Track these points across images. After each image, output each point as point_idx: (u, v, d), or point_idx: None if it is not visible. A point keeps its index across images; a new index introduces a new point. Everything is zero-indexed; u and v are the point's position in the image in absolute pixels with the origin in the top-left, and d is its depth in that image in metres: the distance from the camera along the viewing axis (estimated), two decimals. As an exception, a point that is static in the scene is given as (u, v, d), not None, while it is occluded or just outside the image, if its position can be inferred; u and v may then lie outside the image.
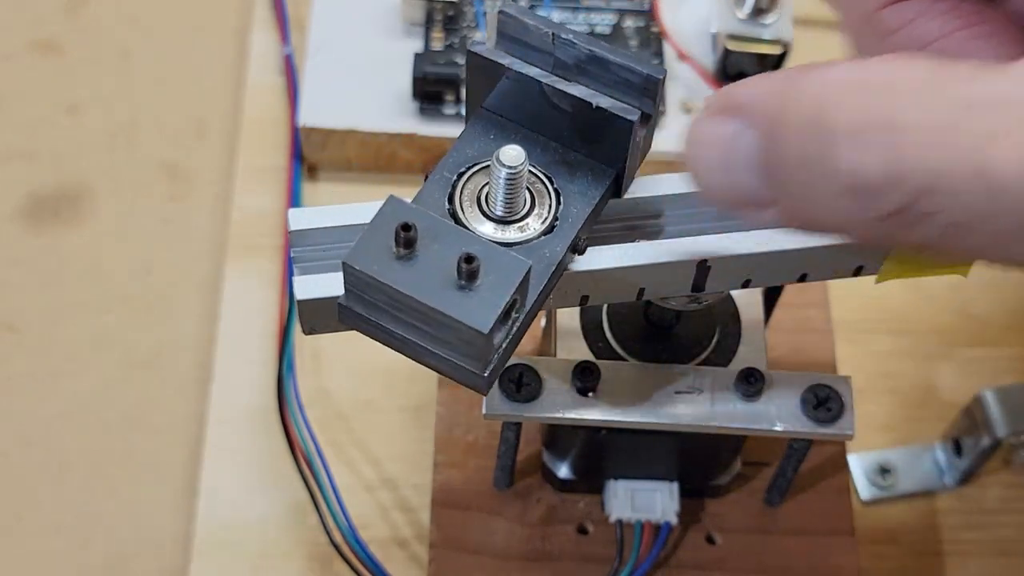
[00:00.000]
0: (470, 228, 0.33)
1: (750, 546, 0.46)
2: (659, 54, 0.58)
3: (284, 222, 0.55)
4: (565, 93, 0.33)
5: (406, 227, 0.30)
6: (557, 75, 0.34)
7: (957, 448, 0.51)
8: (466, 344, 0.31)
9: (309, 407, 0.51)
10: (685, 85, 0.57)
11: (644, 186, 0.36)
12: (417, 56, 0.56)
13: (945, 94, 0.25)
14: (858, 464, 0.52)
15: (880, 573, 0.50)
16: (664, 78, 0.33)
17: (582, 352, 0.42)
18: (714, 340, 0.42)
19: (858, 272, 0.37)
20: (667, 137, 0.56)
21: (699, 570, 0.46)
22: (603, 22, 0.59)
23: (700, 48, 0.58)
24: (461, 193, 0.34)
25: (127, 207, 0.57)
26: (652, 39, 0.59)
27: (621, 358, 0.42)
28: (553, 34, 0.33)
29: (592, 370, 0.40)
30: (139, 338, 0.54)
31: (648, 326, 0.42)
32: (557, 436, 0.45)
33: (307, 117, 0.56)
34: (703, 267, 0.36)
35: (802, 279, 0.37)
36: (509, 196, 0.33)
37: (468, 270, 0.30)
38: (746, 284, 0.37)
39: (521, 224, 0.34)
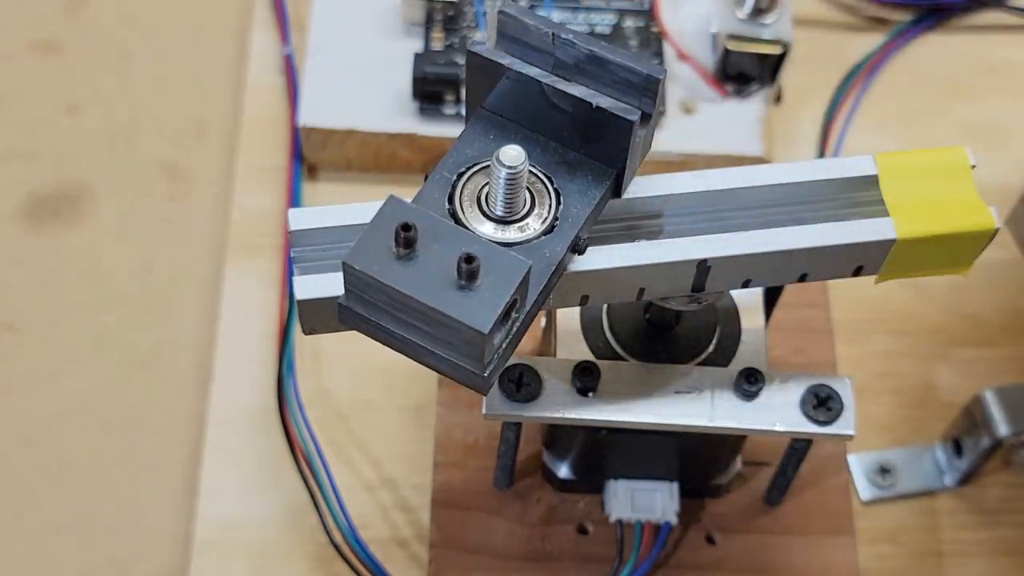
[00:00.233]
0: (470, 228, 0.33)
1: (750, 546, 0.46)
2: (659, 54, 0.58)
3: (284, 222, 0.55)
4: (565, 93, 0.33)
5: (406, 227, 0.30)
6: (557, 75, 0.34)
7: (957, 448, 0.51)
8: (466, 344, 0.31)
9: (309, 407, 0.51)
10: (685, 85, 0.57)
11: (644, 186, 0.36)
12: (417, 56, 0.56)
13: None
14: (858, 464, 0.52)
15: (880, 573, 0.50)
16: (664, 78, 0.33)
17: (582, 352, 0.42)
18: (714, 340, 0.42)
19: (858, 272, 0.37)
20: (667, 137, 0.56)
21: (699, 570, 0.46)
22: (603, 22, 0.59)
23: (700, 48, 0.58)
24: (461, 193, 0.34)
25: (127, 207, 0.57)
26: (652, 39, 0.59)
27: (621, 358, 0.42)
28: (553, 34, 0.33)
29: (592, 370, 0.40)
30: (139, 338, 0.54)
31: (648, 326, 0.42)
32: (557, 436, 0.45)
33: (307, 117, 0.56)
34: (703, 267, 0.36)
35: (802, 279, 0.37)
36: (509, 196, 0.33)
37: (468, 270, 0.30)
38: (746, 284, 0.37)
39: (521, 224, 0.34)
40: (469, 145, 0.35)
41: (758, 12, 0.56)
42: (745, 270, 0.36)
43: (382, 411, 0.52)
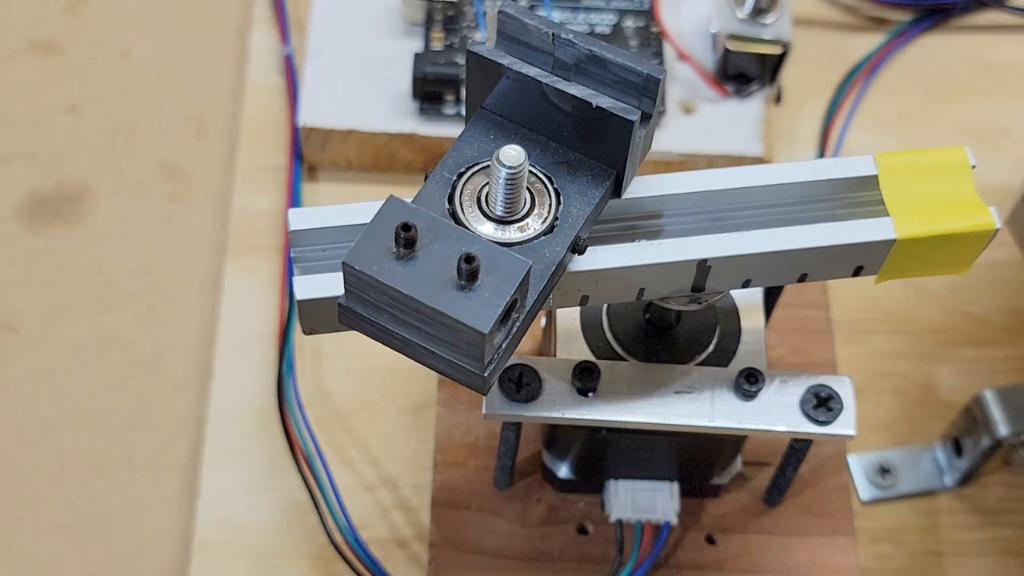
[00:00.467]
0: (470, 228, 0.33)
1: (750, 546, 0.46)
2: (659, 54, 0.58)
3: (284, 222, 0.55)
4: (565, 93, 0.33)
5: (406, 227, 0.30)
6: (557, 75, 0.34)
7: (957, 448, 0.51)
8: (466, 344, 0.31)
9: (309, 407, 0.51)
10: (685, 85, 0.57)
11: (644, 186, 0.36)
12: (417, 56, 0.56)
13: None
14: (858, 464, 0.52)
15: (880, 573, 0.50)
16: (664, 78, 0.33)
17: (582, 352, 0.42)
18: (714, 340, 0.42)
19: (858, 272, 0.37)
20: (667, 137, 0.56)
21: (699, 570, 0.46)
22: (603, 22, 0.59)
23: (700, 48, 0.58)
24: (461, 193, 0.34)
25: (127, 207, 0.57)
26: (652, 39, 0.59)
27: (621, 358, 0.42)
28: (553, 34, 0.33)
29: (592, 370, 0.40)
30: (139, 338, 0.54)
31: (648, 326, 0.42)
32: (557, 436, 0.45)
33: (307, 117, 0.56)
34: (703, 267, 0.36)
35: (802, 279, 0.37)
36: (509, 196, 0.33)
37: (468, 270, 0.30)
38: (746, 284, 0.37)
39: (521, 224, 0.34)
40: (469, 145, 0.35)
41: (758, 12, 0.56)
42: (745, 270, 0.36)
43: (382, 411, 0.52)
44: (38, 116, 0.59)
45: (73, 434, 0.52)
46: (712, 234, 0.36)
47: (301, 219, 0.35)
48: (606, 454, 0.45)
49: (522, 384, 0.40)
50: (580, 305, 0.36)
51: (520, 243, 0.33)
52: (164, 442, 0.52)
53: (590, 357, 0.42)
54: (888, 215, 0.36)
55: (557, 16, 0.59)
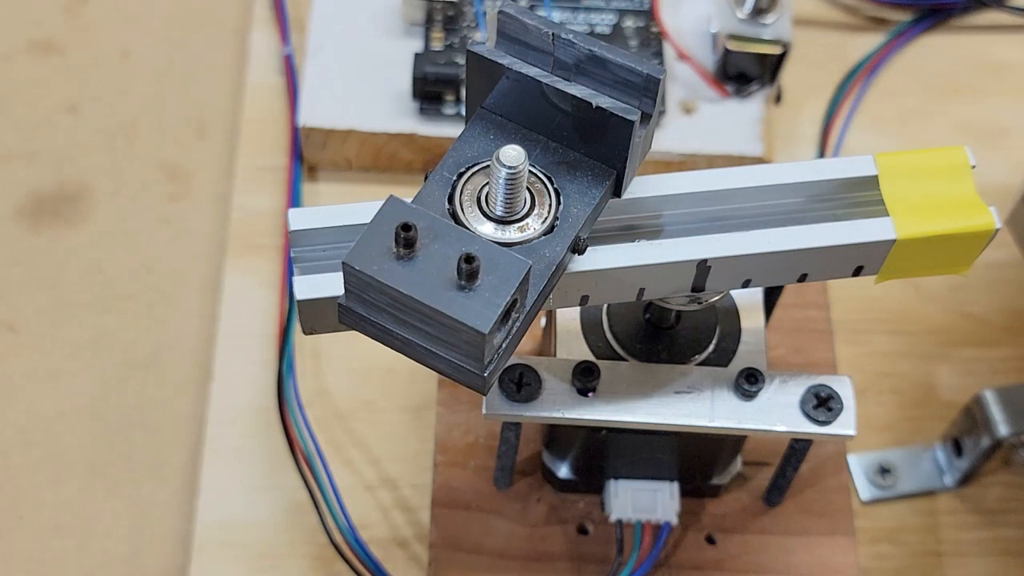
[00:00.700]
0: (470, 228, 0.33)
1: (750, 546, 0.46)
2: (659, 54, 0.58)
3: (284, 222, 0.55)
4: (565, 93, 0.33)
5: (406, 227, 0.30)
6: (557, 75, 0.34)
7: (957, 448, 0.51)
8: (466, 344, 0.31)
9: (309, 407, 0.51)
10: (685, 85, 0.57)
11: (644, 186, 0.36)
12: (417, 56, 0.56)
13: None
14: (858, 464, 0.52)
15: (880, 573, 0.50)
16: (664, 78, 0.33)
17: (582, 352, 0.42)
18: (714, 340, 0.42)
19: (858, 272, 0.37)
20: (667, 137, 0.56)
21: (699, 570, 0.46)
22: (603, 22, 0.59)
23: (700, 48, 0.58)
24: (461, 193, 0.34)
25: (127, 207, 0.57)
26: (652, 39, 0.59)
27: (621, 358, 0.42)
28: (553, 34, 0.33)
29: (592, 370, 0.40)
30: (139, 338, 0.54)
31: (648, 326, 0.42)
32: (557, 436, 0.45)
33: (307, 117, 0.56)
34: (703, 267, 0.36)
35: (802, 279, 0.37)
36: (509, 196, 0.33)
37: (468, 270, 0.30)
38: (746, 284, 0.37)
39: (521, 224, 0.34)
40: (469, 145, 0.35)
41: (758, 12, 0.56)
42: (745, 270, 0.36)
43: (382, 411, 0.52)
44: (38, 116, 0.59)
45: (73, 434, 0.52)
46: (712, 234, 0.36)
47: (301, 219, 0.35)
48: (606, 454, 0.45)
49: (522, 384, 0.40)
50: (580, 305, 0.36)
51: (520, 243, 0.33)
52: (164, 442, 0.52)
53: (590, 357, 0.42)
54: (888, 215, 0.36)
55: (557, 16, 0.59)
